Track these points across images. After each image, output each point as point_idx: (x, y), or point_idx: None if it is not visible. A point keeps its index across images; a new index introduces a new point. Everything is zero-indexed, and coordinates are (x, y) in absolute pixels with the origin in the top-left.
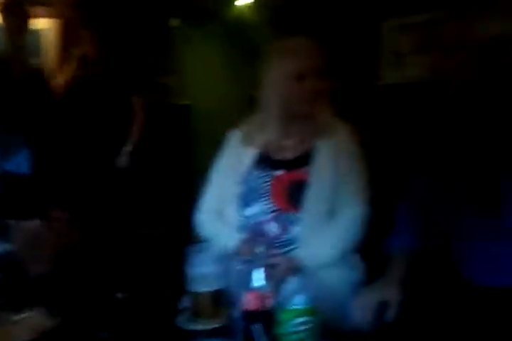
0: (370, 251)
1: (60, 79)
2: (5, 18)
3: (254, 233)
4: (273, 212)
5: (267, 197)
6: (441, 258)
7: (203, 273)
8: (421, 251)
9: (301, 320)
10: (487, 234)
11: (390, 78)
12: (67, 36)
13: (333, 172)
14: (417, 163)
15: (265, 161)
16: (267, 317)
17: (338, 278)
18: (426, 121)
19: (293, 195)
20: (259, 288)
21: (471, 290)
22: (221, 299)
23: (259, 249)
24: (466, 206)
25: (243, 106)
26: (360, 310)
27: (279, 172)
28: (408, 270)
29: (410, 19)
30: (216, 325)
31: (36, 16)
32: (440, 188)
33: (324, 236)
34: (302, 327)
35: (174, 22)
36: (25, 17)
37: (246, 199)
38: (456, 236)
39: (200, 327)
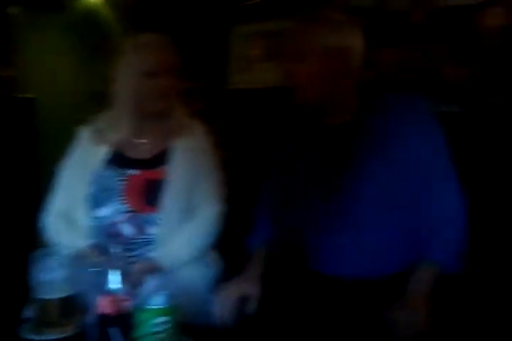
0: (231, 247)
1: None
2: None
3: (108, 234)
4: (127, 212)
5: (120, 197)
6: (293, 251)
7: (51, 279)
8: (277, 245)
9: (160, 320)
10: (332, 227)
11: (240, 83)
12: None
13: (189, 171)
14: (269, 162)
15: (118, 160)
16: (124, 320)
17: (197, 276)
18: (274, 125)
19: (149, 195)
20: (115, 291)
21: (320, 280)
22: (72, 306)
23: (114, 251)
24: (314, 201)
25: (92, 102)
26: (220, 306)
27: (134, 172)
28: (267, 264)
29: (258, 26)
30: (66, 334)
31: None
32: (290, 185)
33: (181, 235)
34: (162, 327)
35: (15, 10)
36: None
37: (98, 200)
38: (306, 229)
39: (48, 337)
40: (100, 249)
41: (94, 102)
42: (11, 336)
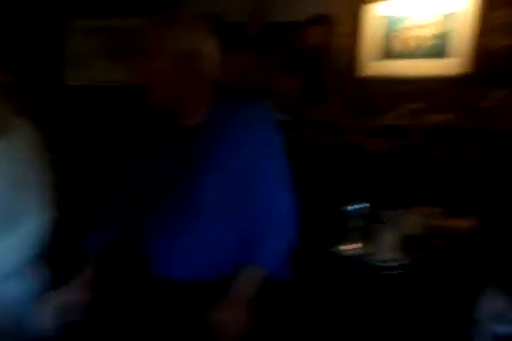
0: (63, 254)
1: None
2: None
3: None
4: None
5: None
6: (132, 255)
7: None
8: (116, 249)
9: None
10: (171, 231)
11: (76, 79)
12: None
13: (8, 176)
14: (112, 162)
15: None
16: None
17: (16, 291)
18: (119, 124)
19: None
20: None
21: (156, 284)
22: None
23: None
24: (156, 204)
25: None
26: (41, 316)
27: None
28: (102, 269)
29: (95, 22)
30: None
31: None
32: (133, 187)
33: None
34: None
35: None
36: None
37: None
38: (146, 232)
39: None
40: None
41: None
42: None
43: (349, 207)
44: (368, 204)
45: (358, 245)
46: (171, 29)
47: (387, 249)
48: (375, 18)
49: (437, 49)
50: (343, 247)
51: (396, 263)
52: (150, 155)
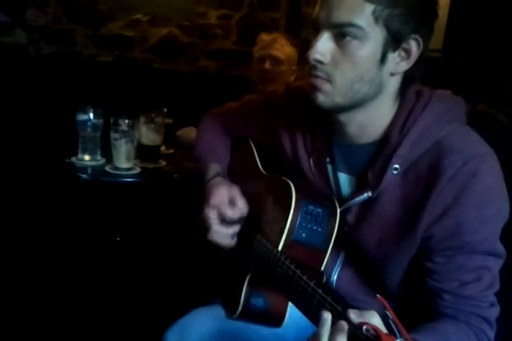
0: None
1: None
2: None
3: None
4: None
5: None
6: None
7: None
8: None
9: None
10: None
11: None
12: None
13: None
14: None
15: None
16: None
17: None
18: None
19: None
20: None
21: None
22: None
23: None
24: None
25: None
26: None
27: None
28: None
29: None
30: None
31: None
32: None
33: None
34: None
35: None
36: None
37: None
38: None
39: None
40: None
41: None
42: None
43: (81, 117)
44: (100, 114)
45: (95, 155)
46: None
47: (123, 158)
48: None
49: None
50: (79, 157)
51: (131, 172)
52: None
